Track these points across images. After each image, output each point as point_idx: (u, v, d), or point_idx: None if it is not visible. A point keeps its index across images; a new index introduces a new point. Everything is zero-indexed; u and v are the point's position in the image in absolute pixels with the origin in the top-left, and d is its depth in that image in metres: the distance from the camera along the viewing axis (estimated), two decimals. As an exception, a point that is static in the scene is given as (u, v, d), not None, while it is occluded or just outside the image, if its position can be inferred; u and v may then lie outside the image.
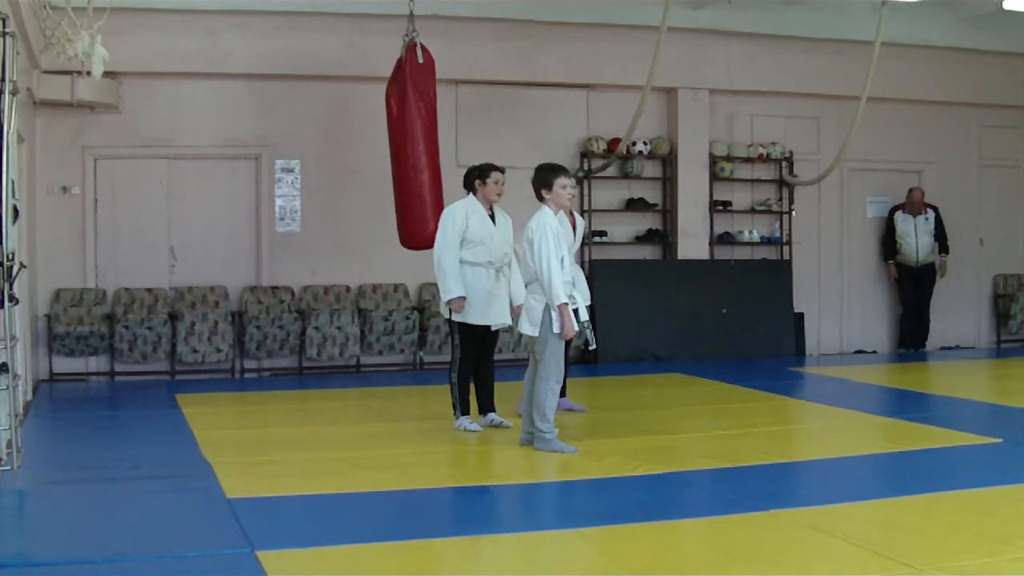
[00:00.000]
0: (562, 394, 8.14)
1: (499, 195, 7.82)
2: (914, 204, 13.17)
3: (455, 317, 7.68)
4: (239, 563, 4.68)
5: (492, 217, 7.79)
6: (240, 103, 11.44)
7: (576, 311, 7.00)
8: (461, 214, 7.69)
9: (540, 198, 7.14)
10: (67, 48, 8.45)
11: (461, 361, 7.78)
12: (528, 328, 7.05)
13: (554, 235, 6.92)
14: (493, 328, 7.81)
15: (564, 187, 7.11)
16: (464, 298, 7.60)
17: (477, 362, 7.86)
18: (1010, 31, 13.03)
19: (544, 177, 7.12)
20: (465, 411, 7.82)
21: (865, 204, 13.62)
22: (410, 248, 10.37)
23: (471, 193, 7.84)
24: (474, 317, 7.67)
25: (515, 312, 7.72)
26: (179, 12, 10.86)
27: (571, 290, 7.04)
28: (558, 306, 6.87)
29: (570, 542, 5.12)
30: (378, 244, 11.26)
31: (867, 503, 5.67)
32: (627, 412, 8.79)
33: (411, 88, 10.04)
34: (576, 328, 6.97)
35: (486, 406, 7.93)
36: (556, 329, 6.91)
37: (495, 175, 7.78)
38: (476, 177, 7.82)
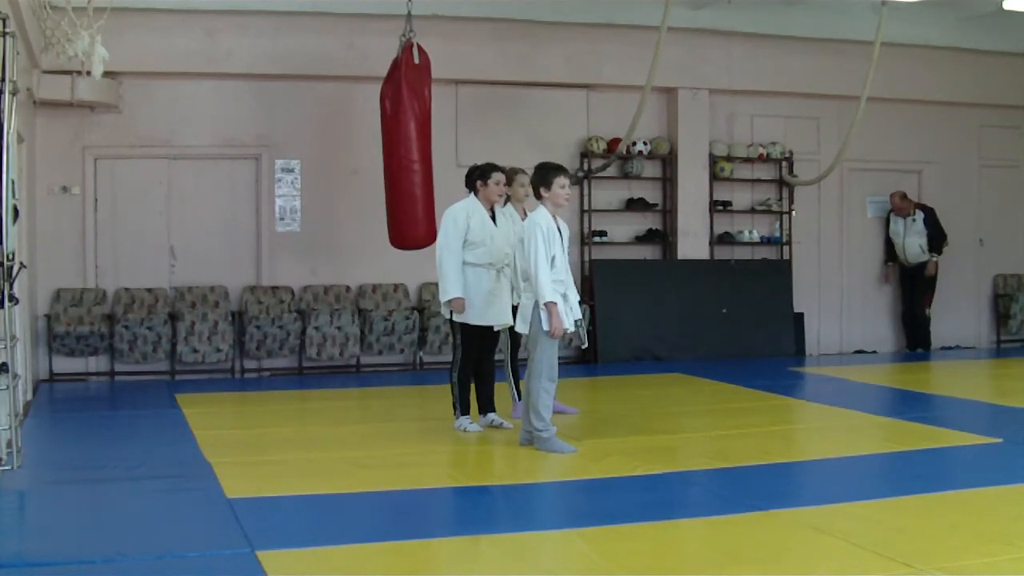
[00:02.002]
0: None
1: (500, 195, 7.82)
2: (896, 208, 13.22)
3: (456, 317, 7.67)
4: (239, 563, 4.67)
5: (493, 217, 7.78)
6: (240, 103, 11.44)
7: (570, 309, 7.00)
8: (463, 215, 7.66)
9: (538, 196, 7.16)
10: (67, 48, 8.46)
11: (462, 361, 7.76)
12: (520, 325, 7.11)
13: (543, 234, 6.93)
14: (495, 329, 7.81)
15: (563, 187, 7.12)
16: (462, 299, 7.57)
17: (477, 362, 7.84)
18: (1010, 31, 13.03)
19: (544, 176, 7.13)
20: (465, 411, 7.81)
21: (865, 204, 13.63)
22: (400, 248, 10.38)
23: (472, 193, 7.81)
24: (475, 317, 7.65)
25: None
26: (179, 12, 10.86)
27: (564, 289, 7.05)
28: (546, 304, 6.88)
29: (570, 542, 5.12)
30: (378, 244, 11.24)
31: (867, 503, 5.67)
32: (627, 412, 8.79)
33: (406, 88, 10.05)
34: (568, 327, 6.98)
35: (486, 406, 7.92)
36: (545, 327, 6.92)
37: (496, 176, 7.76)
38: (478, 177, 7.78)
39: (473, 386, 7.91)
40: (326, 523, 5.44)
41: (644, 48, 11.06)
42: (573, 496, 6.21)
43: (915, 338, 13.37)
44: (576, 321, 7.05)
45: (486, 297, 7.65)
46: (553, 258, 6.94)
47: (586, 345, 7.22)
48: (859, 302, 13.61)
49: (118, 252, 11.17)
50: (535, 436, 7.04)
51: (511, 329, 7.80)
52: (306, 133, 11.57)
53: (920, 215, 13.16)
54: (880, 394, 10.40)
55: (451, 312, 7.69)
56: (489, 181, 7.73)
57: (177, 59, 11.00)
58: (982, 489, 6.00)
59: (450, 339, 8.02)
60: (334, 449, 7.35)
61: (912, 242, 13.19)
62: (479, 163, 8.00)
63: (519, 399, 8.12)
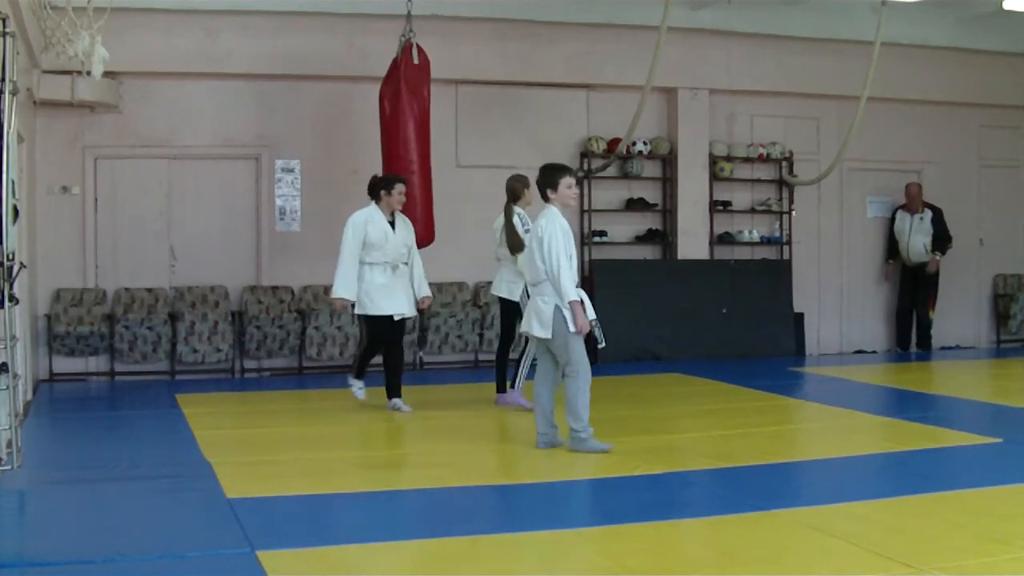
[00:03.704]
0: (514, 385, 8.81)
1: (401, 203, 8.71)
2: (910, 198, 13.21)
3: (358, 310, 8.65)
4: (239, 563, 4.68)
5: (392, 223, 8.68)
6: (240, 103, 11.44)
7: (584, 307, 6.95)
8: (362, 223, 8.60)
9: (545, 198, 7.10)
10: (67, 48, 8.46)
11: (368, 347, 8.82)
12: (539, 330, 6.95)
13: (563, 233, 6.90)
14: (396, 319, 8.65)
15: (569, 187, 7.09)
16: (345, 301, 8.63)
17: (387, 351, 8.74)
18: (1010, 31, 13.03)
19: (550, 177, 7.09)
20: (359, 376, 8.84)
21: (865, 204, 13.63)
22: None
23: (375, 201, 8.68)
24: (374, 309, 8.57)
25: (420, 304, 8.93)
26: (179, 12, 10.86)
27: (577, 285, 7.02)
28: (570, 303, 6.83)
29: (570, 542, 5.12)
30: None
31: (867, 503, 5.67)
32: (627, 412, 8.78)
33: (405, 88, 10.05)
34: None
35: (392, 392, 8.76)
36: (572, 328, 6.87)
37: (399, 187, 8.70)
38: (381, 188, 8.69)
39: (385, 373, 8.85)
40: (326, 523, 5.45)
41: (644, 48, 11.06)
42: (573, 496, 6.21)
43: (908, 338, 13.35)
44: (592, 321, 7.00)
45: (383, 290, 8.58)
46: (570, 257, 6.92)
47: (603, 344, 7.15)
48: (859, 302, 13.61)
49: (118, 252, 11.17)
50: (572, 436, 6.96)
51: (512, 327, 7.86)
52: (306, 133, 11.57)
53: (928, 213, 13.16)
54: (880, 394, 10.41)
55: (353, 306, 8.67)
56: (393, 192, 8.66)
57: (177, 59, 11.00)
58: (982, 489, 6.00)
59: (359, 331, 9.06)
60: (334, 449, 7.35)
61: (917, 240, 13.18)
62: (379, 175, 8.95)
63: (503, 391, 8.95)
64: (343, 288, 8.58)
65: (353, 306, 8.74)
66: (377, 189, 8.72)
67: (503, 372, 8.99)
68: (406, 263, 8.76)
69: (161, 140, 11.22)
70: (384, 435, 7.94)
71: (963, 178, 13.84)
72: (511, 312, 8.81)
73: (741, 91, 12.81)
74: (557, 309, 6.88)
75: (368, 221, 8.59)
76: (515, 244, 8.49)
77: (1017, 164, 14.08)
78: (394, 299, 8.61)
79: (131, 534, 5.16)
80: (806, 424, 8.85)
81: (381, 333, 8.66)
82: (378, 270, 8.59)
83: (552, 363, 7.08)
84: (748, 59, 12.64)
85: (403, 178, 8.92)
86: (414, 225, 10.15)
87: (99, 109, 10.94)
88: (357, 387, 8.91)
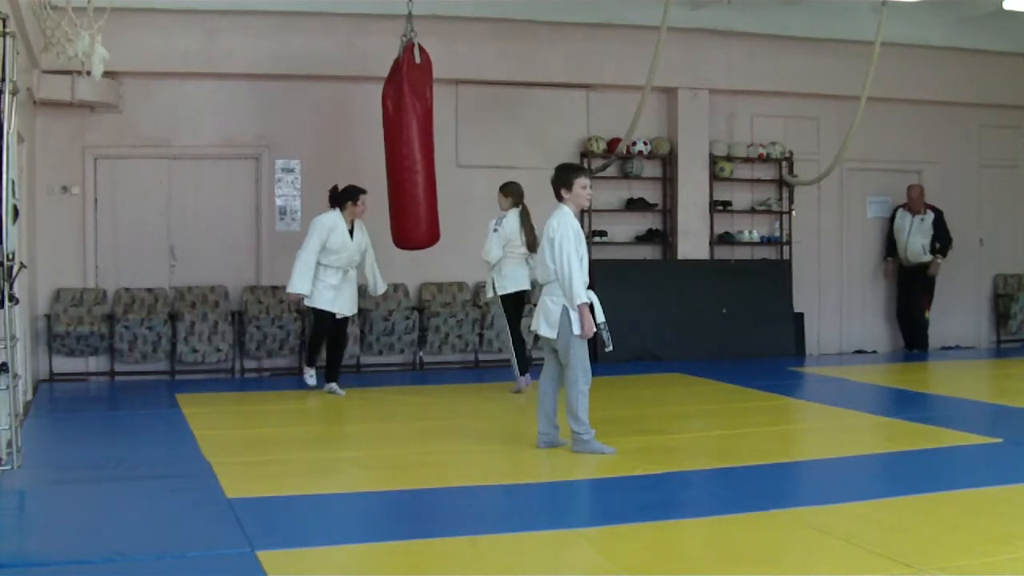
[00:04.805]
0: (523, 371, 9.54)
1: (364, 213, 9.59)
2: (912, 201, 13.20)
3: (307, 303, 9.57)
4: (239, 563, 4.68)
5: (351, 231, 9.49)
6: (240, 103, 11.44)
7: (593, 311, 6.94)
8: (327, 229, 9.42)
9: (559, 198, 7.09)
10: (67, 48, 8.45)
11: (314, 334, 9.88)
12: (546, 330, 6.97)
13: (576, 235, 6.89)
14: (339, 316, 9.60)
15: (584, 187, 7.09)
16: (301, 296, 9.49)
17: (331, 341, 9.71)
18: (1010, 31, 13.03)
19: (564, 177, 7.09)
20: (311, 364, 9.87)
21: (865, 204, 13.63)
22: (403, 248, 10.39)
23: (338, 208, 9.47)
24: (323, 304, 9.53)
25: (383, 298, 10.48)
26: (179, 12, 10.85)
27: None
28: (578, 306, 6.84)
29: (570, 542, 5.12)
30: (377, 244, 11.22)
31: (867, 503, 5.67)
32: (627, 412, 8.78)
33: (407, 88, 10.04)
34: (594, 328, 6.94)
35: (330, 376, 9.71)
36: (576, 331, 6.86)
37: (363, 198, 9.56)
38: (348, 199, 9.49)
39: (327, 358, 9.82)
40: (326, 523, 5.45)
41: (644, 48, 11.05)
42: (573, 496, 6.22)
43: (913, 339, 13.36)
44: (600, 324, 6.98)
45: (333, 290, 9.50)
46: (581, 259, 6.91)
47: (610, 348, 7.12)
48: (859, 302, 13.61)
49: (118, 252, 11.16)
50: (575, 438, 6.97)
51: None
52: (306, 133, 11.57)
53: (930, 215, 13.15)
54: (880, 394, 10.41)
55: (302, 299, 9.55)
56: (359, 202, 9.51)
57: (177, 59, 10.99)
58: (982, 489, 6.01)
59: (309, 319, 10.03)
60: (334, 449, 7.36)
61: (915, 241, 13.17)
62: (345, 185, 9.56)
63: (520, 374, 9.53)
64: (301, 284, 9.40)
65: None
66: (343, 199, 9.48)
67: None
68: (356, 267, 9.68)
69: (161, 140, 11.21)
70: (384, 435, 7.94)
71: (963, 178, 13.84)
72: None
73: (741, 91, 12.81)
74: (565, 310, 6.88)
75: (332, 228, 9.41)
76: (534, 242, 9.02)
77: (1017, 164, 14.08)
78: (340, 300, 9.58)
79: (131, 534, 5.17)
80: (806, 424, 8.85)
81: (324, 325, 9.64)
82: (331, 272, 9.48)
83: (557, 363, 7.08)
84: (748, 59, 12.64)
85: (364, 189, 9.63)
86: (419, 225, 10.23)
87: (99, 109, 10.94)
88: (308, 375, 9.87)
